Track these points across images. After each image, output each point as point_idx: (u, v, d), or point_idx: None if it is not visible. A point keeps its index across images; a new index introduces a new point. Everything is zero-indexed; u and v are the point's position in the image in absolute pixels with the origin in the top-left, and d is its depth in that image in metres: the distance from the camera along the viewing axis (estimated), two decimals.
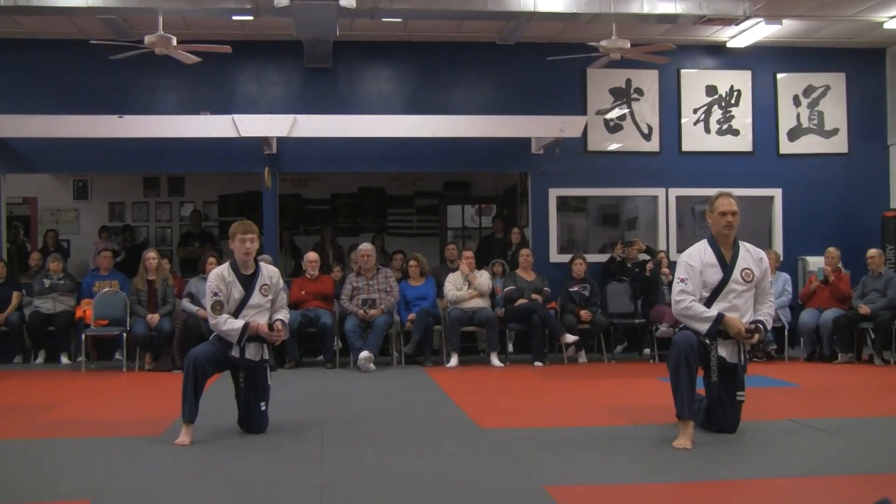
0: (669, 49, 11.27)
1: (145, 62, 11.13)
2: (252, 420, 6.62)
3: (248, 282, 6.63)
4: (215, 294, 6.53)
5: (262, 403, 6.65)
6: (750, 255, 6.45)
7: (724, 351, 6.33)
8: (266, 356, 6.70)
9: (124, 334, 11.20)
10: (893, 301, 11.29)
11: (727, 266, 6.35)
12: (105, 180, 15.99)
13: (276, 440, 6.32)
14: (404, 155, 12.92)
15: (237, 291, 6.59)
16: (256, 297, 6.63)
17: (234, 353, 6.53)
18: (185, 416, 6.30)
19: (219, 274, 6.62)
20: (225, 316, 6.53)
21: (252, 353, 6.60)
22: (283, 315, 6.80)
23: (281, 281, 6.93)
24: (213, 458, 5.82)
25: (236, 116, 11.89)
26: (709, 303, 6.33)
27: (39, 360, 11.90)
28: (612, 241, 13.24)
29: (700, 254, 6.41)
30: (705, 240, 6.51)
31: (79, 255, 15.40)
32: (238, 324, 6.50)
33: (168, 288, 11.44)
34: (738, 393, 6.40)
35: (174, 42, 10.42)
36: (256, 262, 6.74)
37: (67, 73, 12.64)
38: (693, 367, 6.20)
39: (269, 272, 6.76)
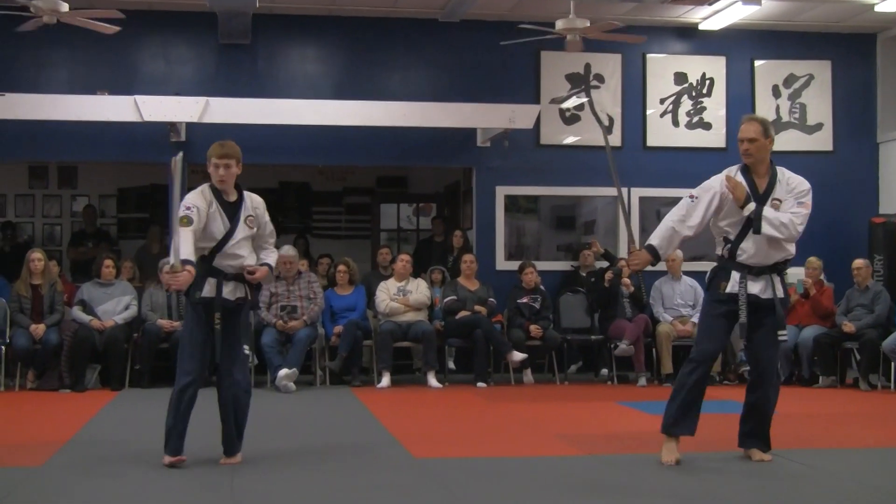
0: (640, 42, 11.34)
1: (33, 31, 10.93)
2: (232, 365, 6.53)
3: (233, 212, 6.49)
4: (188, 208, 6.24)
5: (245, 346, 6.71)
6: (782, 186, 6.59)
7: (755, 288, 6.43)
8: (246, 295, 6.56)
9: (3, 347, 11.03)
10: (881, 318, 11.40)
11: (759, 196, 6.51)
12: None
13: (180, 470, 6.24)
14: (332, 145, 12.86)
15: (220, 223, 6.40)
16: (242, 230, 6.48)
17: (207, 293, 6.35)
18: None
19: (199, 191, 6.45)
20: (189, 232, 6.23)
21: (230, 292, 6.45)
22: (271, 259, 6.70)
23: (266, 213, 6.75)
24: (104, 490, 5.74)
25: (139, 98, 11.75)
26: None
27: None
28: (568, 246, 13.27)
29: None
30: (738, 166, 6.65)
31: None
32: (187, 251, 6.11)
33: (56, 294, 11.26)
34: (780, 333, 6.43)
35: (65, 8, 10.25)
36: (239, 188, 6.60)
37: None
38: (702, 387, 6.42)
39: (255, 202, 6.60)
